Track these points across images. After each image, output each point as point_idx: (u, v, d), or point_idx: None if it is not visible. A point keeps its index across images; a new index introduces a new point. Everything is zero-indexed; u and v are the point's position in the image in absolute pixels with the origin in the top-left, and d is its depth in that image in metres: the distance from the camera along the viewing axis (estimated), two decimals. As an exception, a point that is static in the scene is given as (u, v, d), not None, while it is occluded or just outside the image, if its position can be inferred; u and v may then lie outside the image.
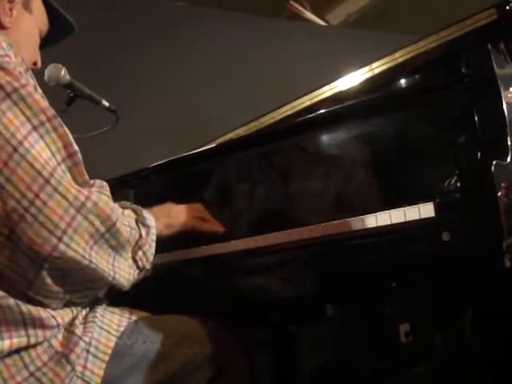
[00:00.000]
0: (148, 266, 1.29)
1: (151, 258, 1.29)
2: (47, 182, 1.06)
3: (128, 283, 1.24)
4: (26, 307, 1.10)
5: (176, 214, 1.52)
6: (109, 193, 1.19)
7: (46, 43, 1.49)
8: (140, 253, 1.25)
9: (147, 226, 1.29)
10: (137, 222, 1.28)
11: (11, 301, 1.09)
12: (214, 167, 1.83)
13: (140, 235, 1.26)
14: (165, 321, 1.38)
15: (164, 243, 1.44)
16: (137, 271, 1.26)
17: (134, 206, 1.33)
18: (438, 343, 1.73)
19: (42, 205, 1.05)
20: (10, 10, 1.34)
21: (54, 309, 1.15)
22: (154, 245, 1.31)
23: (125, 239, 1.19)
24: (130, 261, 1.24)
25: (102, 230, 1.13)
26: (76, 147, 1.15)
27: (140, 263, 1.25)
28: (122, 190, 1.98)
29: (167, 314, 1.42)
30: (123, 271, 1.21)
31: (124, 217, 1.23)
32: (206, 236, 1.60)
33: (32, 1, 1.40)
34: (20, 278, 1.09)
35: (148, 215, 1.32)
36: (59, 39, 1.55)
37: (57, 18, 1.49)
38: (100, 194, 1.15)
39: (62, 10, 1.50)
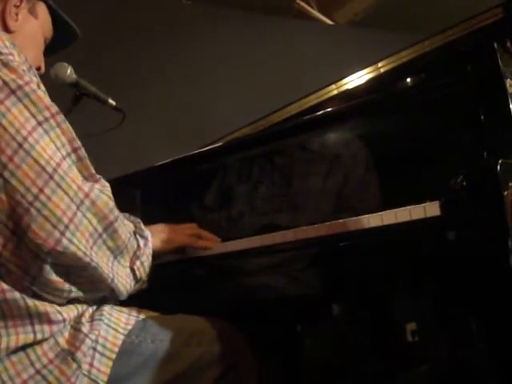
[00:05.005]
0: (145, 278, 1.31)
1: (148, 270, 1.32)
2: (51, 177, 1.08)
3: (125, 291, 1.25)
4: (31, 301, 1.11)
5: (171, 231, 1.54)
6: (110, 193, 1.21)
7: (49, 50, 1.51)
8: (138, 263, 1.28)
9: (145, 238, 1.32)
10: (135, 233, 1.30)
11: (17, 294, 1.10)
12: (220, 166, 1.83)
13: (138, 245, 1.29)
14: (173, 320, 1.38)
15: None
16: (133, 281, 1.28)
17: (133, 217, 1.36)
18: (444, 342, 1.73)
19: (46, 199, 1.07)
20: (16, 14, 1.37)
21: (59, 304, 1.16)
22: (150, 258, 1.33)
23: (123, 243, 1.22)
24: (128, 270, 1.26)
25: (100, 229, 1.16)
26: (79, 142, 1.18)
27: (138, 273, 1.28)
28: (128, 189, 1.99)
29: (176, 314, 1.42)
30: (121, 277, 1.22)
31: (124, 222, 1.25)
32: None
33: (37, 6, 1.43)
34: (24, 273, 1.10)
35: (145, 228, 1.35)
36: (62, 47, 1.58)
37: (61, 24, 1.51)
38: (101, 193, 1.17)
39: (66, 17, 1.52)
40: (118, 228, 1.19)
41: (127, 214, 1.34)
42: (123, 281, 1.23)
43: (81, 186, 1.13)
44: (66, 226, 1.08)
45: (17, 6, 1.36)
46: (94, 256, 1.14)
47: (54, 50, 1.55)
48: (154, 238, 1.39)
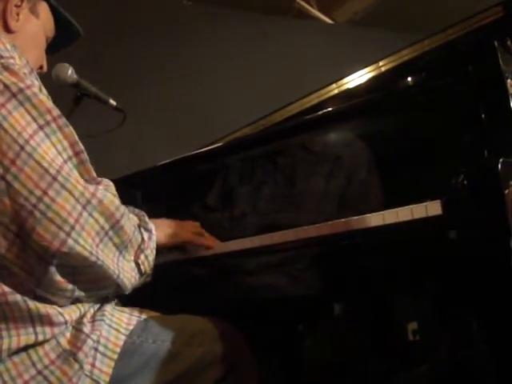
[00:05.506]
0: (149, 271, 1.31)
1: (152, 263, 1.31)
2: (54, 179, 1.07)
3: (130, 286, 1.24)
4: (33, 304, 1.11)
5: (176, 226, 1.54)
6: (114, 191, 1.21)
7: (51, 48, 1.51)
8: (142, 256, 1.27)
9: (149, 231, 1.32)
10: (139, 226, 1.30)
11: (18, 297, 1.10)
12: (221, 166, 1.83)
13: (142, 239, 1.28)
14: (175, 320, 1.38)
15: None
16: (138, 275, 1.27)
17: (137, 210, 1.35)
18: (444, 342, 1.73)
19: (50, 201, 1.06)
20: (17, 14, 1.36)
21: (61, 306, 1.15)
22: (154, 251, 1.32)
23: (128, 238, 1.21)
24: (133, 264, 1.25)
25: (107, 227, 1.15)
26: (82, 146, 1.17)
27: (142, 267, 1.27)
28: (129, 189, 1.99)
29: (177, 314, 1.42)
30: (126, 272, 1.22)
31: (129, 217, 1.24)
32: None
33: (39, 6, 1.42)
34: (28, 276, 1.09)
35: (149, 221, 1.34)
36: (65, 45, 1.57)
37: (63, 23, 1.51)
38: (106, 191, 1.16)
39: (68, 16, 1.51)
40: (123, 224, 1.18)
41: (132, 208, 1.33)
42: (128, 275, 1.22)
43: (86, 185, 1.12)
44: (72, 227, 1.07)
45: (18, 6, 1.36)
46: (100, 254, 1.13)
47: (56, 48, 1.54)
48: (158, 231, 1.38)
